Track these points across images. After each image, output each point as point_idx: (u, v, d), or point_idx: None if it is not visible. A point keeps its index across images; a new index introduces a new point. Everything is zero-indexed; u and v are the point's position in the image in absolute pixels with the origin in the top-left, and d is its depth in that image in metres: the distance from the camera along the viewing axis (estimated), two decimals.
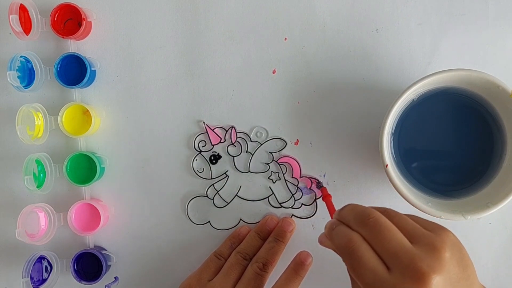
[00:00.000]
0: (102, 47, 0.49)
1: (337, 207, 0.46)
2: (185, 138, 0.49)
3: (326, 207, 0.45)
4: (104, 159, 0.49)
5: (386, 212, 0.34)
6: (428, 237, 0.31)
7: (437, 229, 0.32)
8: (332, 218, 0.41)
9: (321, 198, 0.48)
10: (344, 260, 0.33)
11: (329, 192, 0.47)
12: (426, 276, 0.29)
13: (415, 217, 0.34)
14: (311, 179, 0.48)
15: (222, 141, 0.49)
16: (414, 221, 0.33)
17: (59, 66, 0.47)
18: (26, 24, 0.47)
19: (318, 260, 0.49)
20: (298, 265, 0.45)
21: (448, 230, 0.33)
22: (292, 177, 0.48)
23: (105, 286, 0.48)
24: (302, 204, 0.48)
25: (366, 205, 0.48)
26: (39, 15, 0.47)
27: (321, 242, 0.40)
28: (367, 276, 0.31)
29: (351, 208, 0.35)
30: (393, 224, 0.32)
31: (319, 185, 0.48)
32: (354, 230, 0.34)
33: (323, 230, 0.48)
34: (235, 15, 0.48)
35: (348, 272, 0.40)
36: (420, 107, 0.43)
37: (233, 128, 0.48)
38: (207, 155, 0.49)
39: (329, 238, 0.36)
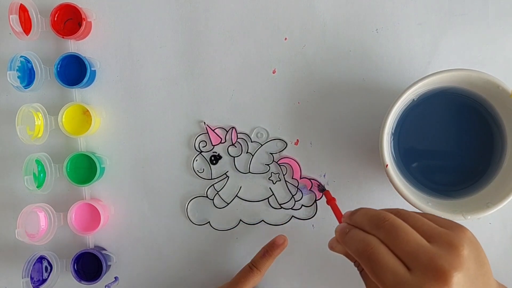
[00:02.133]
0: (102, 47, 0.49)
1: (339, 207, 0.46)
2: (185, 138, 0.49)
3: (332, 211, 0.44)
4: (104, 159, 0.49)
5: (399, 213, 0.34)
6: (445, 235, 0.31)
7: (453, 227, 0.32)
8: (340, 222, 0.40)
9: (325, 202, 0.46)
10: (363, 264, 0.33)
11: (332, 196, 0.46)
12: (447, 273, 0.29)
13: (429, 216, 0.34)
14: (312, 180, 0.48)
15: (222, 141, 0.49)
16: (429, 219, 0.33)
17: (59, 66, 0.47)
18: (26, 24, 0.47)
19: (318, 261, 0.49)
20: (271, 246, 0.46)
21: (464, 227, 0.33)
22: (292, 178, 0.48)
23: (105, 286, 0.48)
24: (302, 205, 0.48)
25: (366, 206, 0.48)
26: (39, 15, 0.47)
27: (331, 247, 0.40)
28: (389, 278, 0.31)
29: (364, 212, 0.35)
30: (408, 225, 0.32)
31: (321, 187, 0.48)
32: (370, 234, 0.33)
33: (323, 231, 0.48)
34: (235, 15, 0.48)
35: (362, 276, 0.39)
36: (420, 107, 0.43)
37: (233, 129, 0.48)
38: (207, 155, 0.49)
39: (343, 243, 0.36)
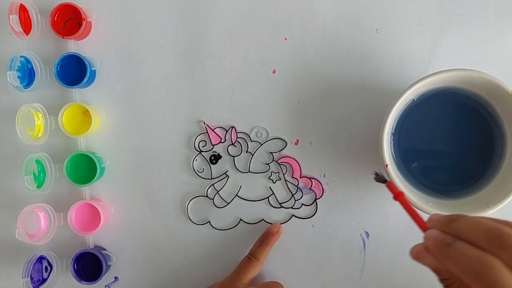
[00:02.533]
0: (102, 47, 0.49)
1: (337, 207, 0.46)
2: (185, 138, 0.49)
3: (403, 208, 0.34)
4: (104, 159, 0.49)
5: None
6: None
7: None
8: (421, 224, 0.33)
9: (392, 197, 0.35)
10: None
11: (399, 190, 0.35)
12: None
13: None
14: (311, 179, 0.48)
15: (222, 141, 0.49)
16: None
17: (59, 66, 0.47)
18: (26, 24, 0.47)
19: (318, 261, 0.49)
20: (267, 235, 0.48)
21: None
22: (292, 177, 0.48)
23: (105, 286, 0.49)
24: (302, 204, 0.48)
25: (366, 206, 0.48)
26: (39, 15, 0.47)
27: (418, 258, 0.31)
28: None
29: (475, 222, 0.29)
30: None
31: (380, 178, 0.37)
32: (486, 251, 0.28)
33: (323, 230, 0.48)
34: (235, 15, 0.48)
35: None
36: (420, 107, 0.43)
37: (233, 128, 0.48)
38: (207, 155, 0.49)
39: (443, 256, 0.29)
